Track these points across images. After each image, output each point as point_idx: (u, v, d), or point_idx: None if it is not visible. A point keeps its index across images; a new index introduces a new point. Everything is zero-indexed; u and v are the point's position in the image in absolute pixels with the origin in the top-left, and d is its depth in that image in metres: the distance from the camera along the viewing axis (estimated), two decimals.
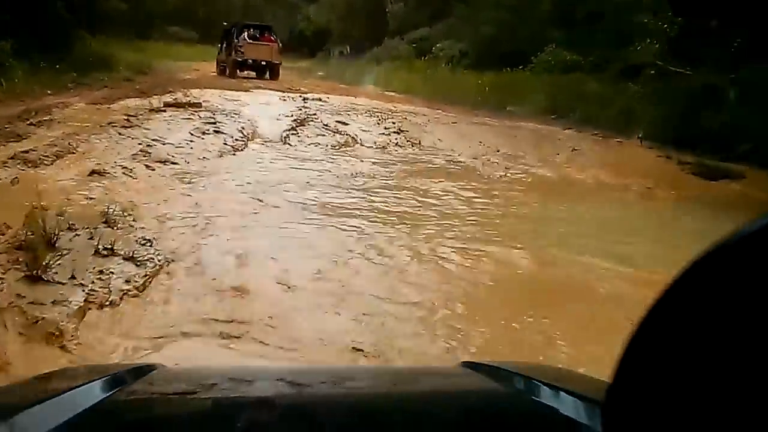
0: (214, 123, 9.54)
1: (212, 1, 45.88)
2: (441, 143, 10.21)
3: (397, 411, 0.96)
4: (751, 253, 0.34)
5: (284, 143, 9.09)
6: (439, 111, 14.67)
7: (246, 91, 14.87)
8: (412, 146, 9.84)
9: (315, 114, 11.60)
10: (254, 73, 21.61)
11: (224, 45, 23.38)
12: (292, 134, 9.66)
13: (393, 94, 19.64)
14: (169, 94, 12.72)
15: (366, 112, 12.66)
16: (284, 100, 13.51)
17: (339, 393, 1.08)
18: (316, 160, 8.13)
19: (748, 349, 0.34)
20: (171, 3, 39.04)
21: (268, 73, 21.73)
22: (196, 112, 10.53)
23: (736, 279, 0.35)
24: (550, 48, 20.34)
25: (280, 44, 23.18)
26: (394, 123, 11.43)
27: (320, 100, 14.07)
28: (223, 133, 8.99)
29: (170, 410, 0.97)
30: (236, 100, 12.73)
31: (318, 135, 9.84)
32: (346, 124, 10.88)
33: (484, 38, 25.06)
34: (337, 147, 9.27)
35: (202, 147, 8.07)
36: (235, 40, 21.54)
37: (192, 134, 8.64)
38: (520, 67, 19.89)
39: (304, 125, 10.42)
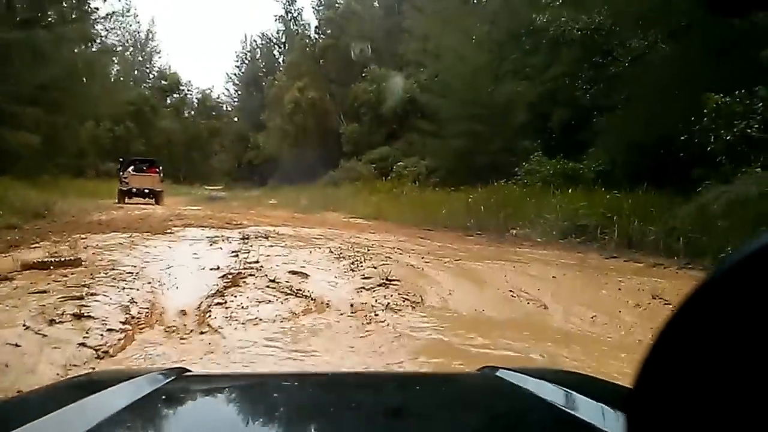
0: (82, 297, 5.68)
1: (153, 135, 42.88)
2: (454, 299, 6.57)
3: (422, 416, 0.97)
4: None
5: (201, 327, 5.27)
6: (427, 240, 11.15)
7: (166, 232, 11.08)
8: (413, 309, 6.15)
9: (258, 261, 7.88)
10: (141, 199, 24.19)
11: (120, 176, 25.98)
12: (218, 304, 5.89)
13: (361, 220, 16.18)
14: (51, 245, 8.99)
15: (332, 252, 9.02)
16: (215, 242, 9.72)
17: (362, 398, 1.11)
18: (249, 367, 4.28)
19: None
20: (106, 138, 35.85)
21: (154, 199, 24.36)
22: (65, 275, 6.68)
23: (759, 287, 0.35)
24: (536, 157, 17.50)
25: (162, 174, 26.00)
26: (374, 266, 7.81)
27: (267, 237, 10.39)
28: (91, 317, 5.14)
29: (198, 412, 1.02)
30: (144, 247, 8.96)
31: (260, 301, 6.07)
32: (305, 276, 7.20)
33: (455, 152, 22.39)
34: (290, 322, 5.50)
35: (33, 356, 4.22)
36: (122, 174, 25.08)
37: (27, 326, 4.77)
38: (503, 180, 16.93)
39: (239, 284, 6.66)
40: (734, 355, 0.36)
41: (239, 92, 57.55)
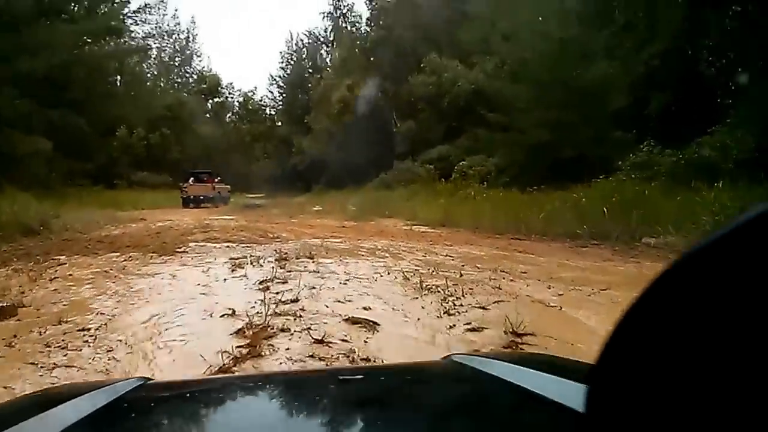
0: None
1: (192, 142, 40.69)
2: None
3: (386, 406, 0.96)
4: (743, 243, 0.36)
5: None
6: (530, 256, 8.17)
7: (177, 251, 8.29)
8: None
9: (297, 300, 5.00)
10: (202, 204, 27.55)
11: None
12: None
13: (426, 228, 13.22)
14: (5, 277, 6.29)
15: (406, 278, 6.13)
16: (239, 266, 6.88)
17: (328, 394, 1.06)
18: None
19: (734, 336, 0.36)
20: (139, 146, 33.77)
21: (211, 203, 28.01)
22: None
23: (726, 269, 0.36)
24: (646, 147, 14.38)
25: (215, 182, 29.97)
26: (481, 306, 4.92)
27: (311, 257, 7.53)
28: None
29: (160, 421, 0.97)
30: (137, 278, 6.24)
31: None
32: (373, 327, 4.32)
33: (532, 146, 19.30)
34: None
35: None
36: (182, 184, 29.54)
37: None
38: (602, 176, 13.89)
39: (261, 352, 3.75)
40: (698, 336, 0.37)
41: (284, 94, 55.04)
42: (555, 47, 18.65)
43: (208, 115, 48.52)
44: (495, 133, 21.20)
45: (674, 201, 10.19)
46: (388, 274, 6.41)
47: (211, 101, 50.86)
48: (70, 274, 6.47)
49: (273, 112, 56.14)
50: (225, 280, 6.06)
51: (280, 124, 53.05)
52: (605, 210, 10.03)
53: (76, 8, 22.68)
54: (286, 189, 39.24)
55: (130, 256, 7.76)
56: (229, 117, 53.40)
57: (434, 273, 6.42)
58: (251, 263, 7.04)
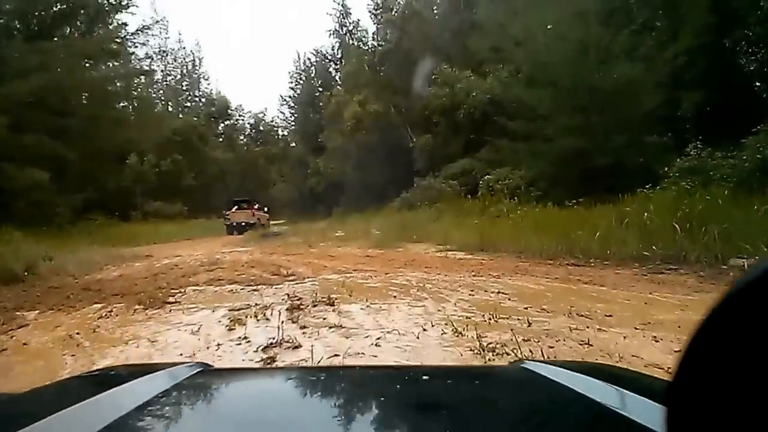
0: None
1: (205, 166, 39.56)
2: None
3: (454, 409, 0.90)
4: None
5: None
6: (601, 288, 6.64)
7: (168, 301, 6.85)
8: None
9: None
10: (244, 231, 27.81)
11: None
12: None
13: (462, 254, 11.73)
14: None
15: (456, 332, 4.68)
16: (239, 321, 5.40)
17: (392, 391, 1.04)
18: None
19: None
20: (152, 174, 32.68)
21: (252, 228, 28.38)
22: None
23: None
24: (694, 149, 12.90)
25: (255, 209, 30.98)
26: None
27: (332, 303, 6.05)
28: None
29: (220, 406, 0.96)
30: (101, 345, 4.80)
31: None
32: None
33: (560, 155, 17.81)
34: None
35: None
36: (225, 212, 30.59)
37: None
38: (648, 186, 12.36)
39: None
40: None
41: (295, 114, 54.19)
42: (573, 49, 17.30)
43: (220, 139, 47.59)
44: (518, 142, 19.75)
45: (752, 211, 8.64)
46: (432, 325, 4.93)
47: (222, 124, 49.93)
48: (25, 343, 5.08)
49: (286, 133, 55.32)
50: (218, 346, 4.58)
51: (294, 144, 52.04)
52: (675, 226, 8.44)
53: (70, 31, 21.76)
54: (307, 213, 38.19)
55: (111, 310, 6.36)
56: (242, 140, 52.50)
57: (492, 321, 4.95)
58: (255, 315, 5.59)
